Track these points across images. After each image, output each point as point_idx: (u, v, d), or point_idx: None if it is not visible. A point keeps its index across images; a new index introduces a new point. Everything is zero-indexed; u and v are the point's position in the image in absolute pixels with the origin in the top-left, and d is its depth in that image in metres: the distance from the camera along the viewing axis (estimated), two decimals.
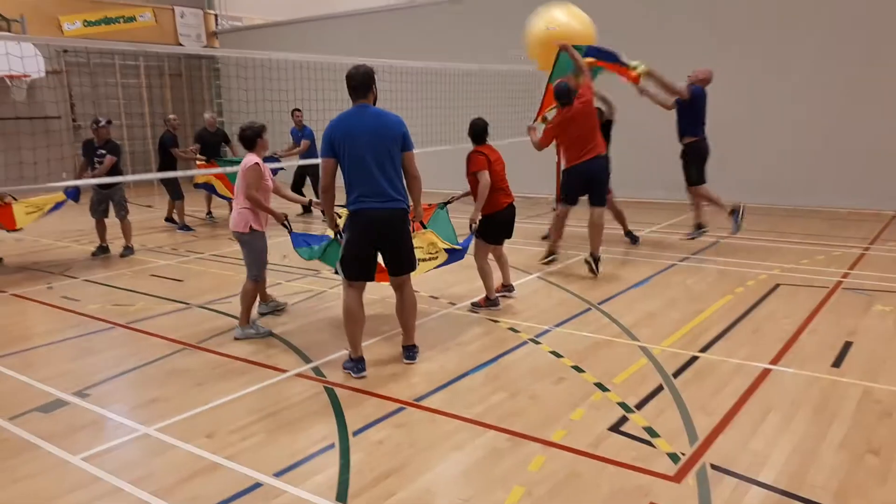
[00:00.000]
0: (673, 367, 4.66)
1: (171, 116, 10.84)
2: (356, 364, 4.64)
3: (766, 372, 4.54)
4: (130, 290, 7.07)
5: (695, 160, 8.25)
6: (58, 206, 8.41)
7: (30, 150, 10.35)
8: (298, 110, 11.66)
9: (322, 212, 5.65)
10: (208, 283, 7.35)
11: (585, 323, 5.67)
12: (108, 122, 8.61)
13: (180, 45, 18.13)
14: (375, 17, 16.20)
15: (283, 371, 4.74)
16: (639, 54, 8.22)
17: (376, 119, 4.49)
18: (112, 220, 8.75)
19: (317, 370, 4.76)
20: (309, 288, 6.97)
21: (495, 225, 6.05)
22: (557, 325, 5.59)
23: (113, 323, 5.95)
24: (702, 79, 8.24)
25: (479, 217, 5.86)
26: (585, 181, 7.16)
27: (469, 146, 6.05)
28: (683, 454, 3.49)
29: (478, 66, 11.84)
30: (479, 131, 5.96)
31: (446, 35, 14.59)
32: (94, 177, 8.31)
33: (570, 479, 3.28)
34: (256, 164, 5.28)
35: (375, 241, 4.60)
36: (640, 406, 4.06)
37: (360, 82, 4.49)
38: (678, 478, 3.28)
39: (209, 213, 11.70)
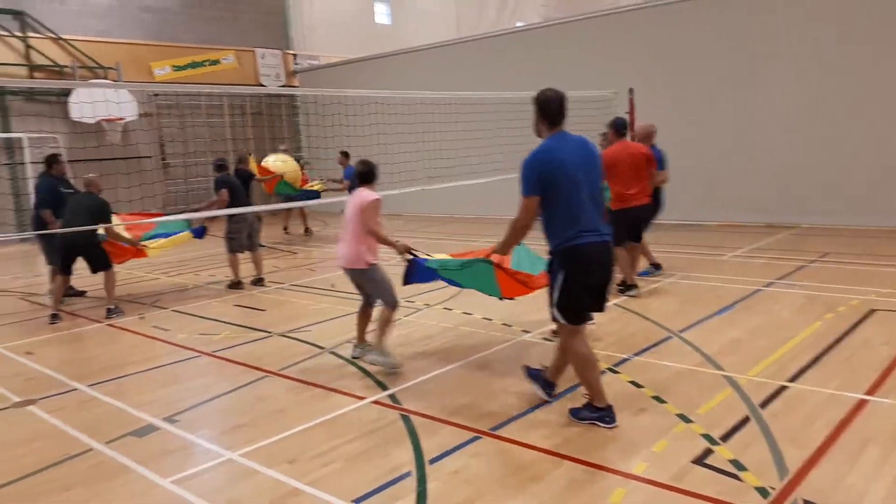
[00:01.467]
0: (760, 397, 4.46)
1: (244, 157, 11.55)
2: (606, 413, 4.16)
3: (861, 403, 4.29)
4: (216, 320, 7.35)
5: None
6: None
7: (125, 188, 10.95)
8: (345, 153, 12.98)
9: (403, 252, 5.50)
10: (288, 312, 7.57)
11: (666, 352, 5.52)
12: (220, 164, 9.29)
13: (261, 85, 18.97)
14: (444, 50, 16.52)
15: (361, 398, 4.81)
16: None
17: (583, 147, 4.16)
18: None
19: (393, 397, 4.80)
20: None
21: None
22: (637, 354, 5.46)
23: (200, 351, 6.20)
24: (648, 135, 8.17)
25: None
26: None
27: None
28: (773, 489, 3.33)
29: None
30: None
31: (516, 65, 14.70)
32: (198, 210, 9.24)
33: None
34: (378, 199, 5.22)
35: (597, 277, 4.19)
36: (725, 438, 3.90)
37: (560, 107, 4.16)
38: None
39: (307, 229, 13.86)
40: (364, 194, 5.28)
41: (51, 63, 15.63)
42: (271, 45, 19.62)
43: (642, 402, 4.49)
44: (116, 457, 4.06)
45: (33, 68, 15.52)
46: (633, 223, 7.32)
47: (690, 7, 12.50)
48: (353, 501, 3.41)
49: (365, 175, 5.39)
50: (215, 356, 6.05)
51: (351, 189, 5.52)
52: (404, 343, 6.11)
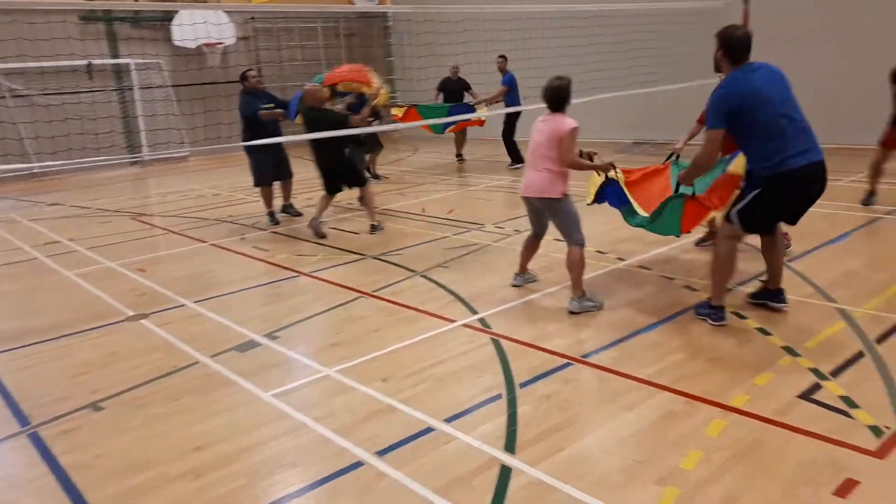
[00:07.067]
0: (876, 332, 4.17)
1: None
2: (717, 311, 4.45)
3: None
4: (312, 242, 7.54)
5: None
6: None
7: (226, 111, 11.26)
8: (502, 56, 11.37)
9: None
10: (380, 236, 7.65)
11: None
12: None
13: (352, 4, 18.78)
14: None
15: (452, 321, 4.84)
16: None
17: (769, 70, 4.21)
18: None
19: (483, 321, 4.80)
20: (474, 241, 7.03)
21: None
22: (740, 284, 5.20)
23: (297, 272, 6.39)
24: None
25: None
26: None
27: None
28: (888, 428, 3.12)
29: (649, 4, 11.15)
30: None
31: None
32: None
33: (754, 447, 3.05)
34: (577, 127, 4.73)
35: (798, 199, 4.21)
36: (835, 373, 3.68)
37: (747, 48, 4.20)
38: (881, 453, 2.95)
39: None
40: (561, 122, 4.77)
41: None
42: None
43: (745, 334, 4.30)
44: (221, 370, 4.28)
45: None
46: None
47: None
48: (444, 420, 3.46)
49: (561, 100, 4.83)
50: (312, 276, 6.22)
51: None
52: (496, 268, 6.07)
